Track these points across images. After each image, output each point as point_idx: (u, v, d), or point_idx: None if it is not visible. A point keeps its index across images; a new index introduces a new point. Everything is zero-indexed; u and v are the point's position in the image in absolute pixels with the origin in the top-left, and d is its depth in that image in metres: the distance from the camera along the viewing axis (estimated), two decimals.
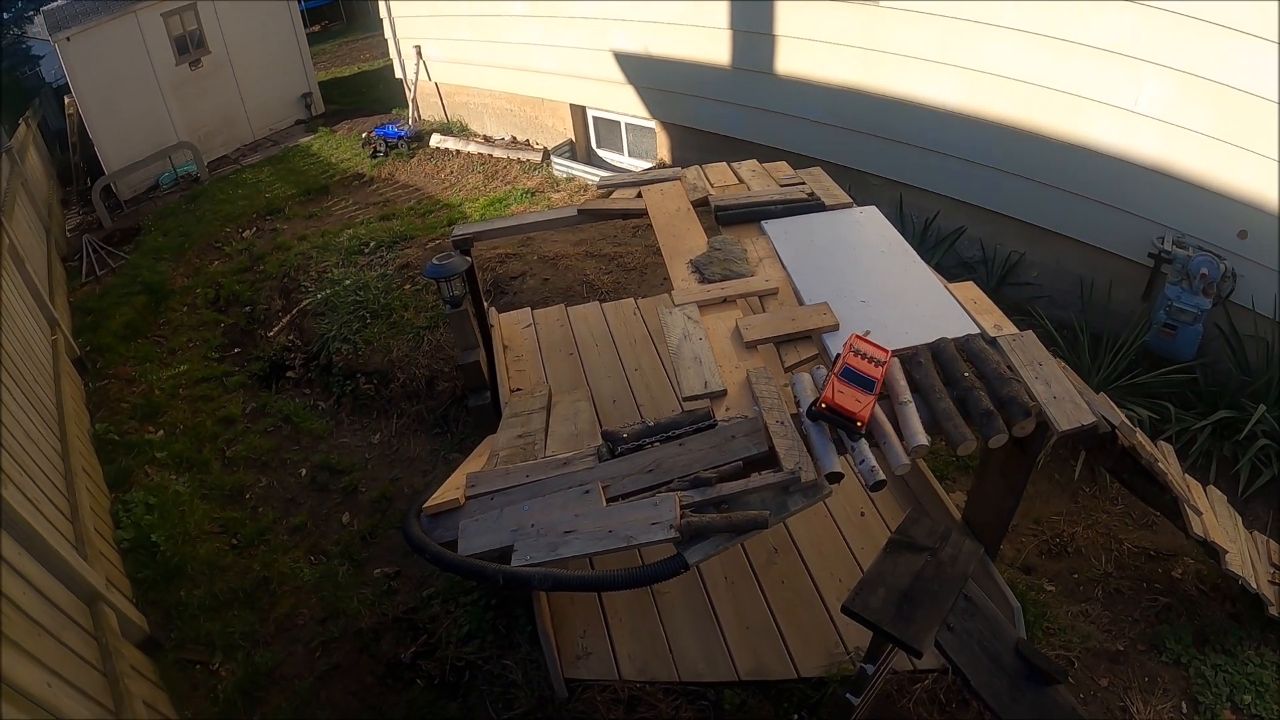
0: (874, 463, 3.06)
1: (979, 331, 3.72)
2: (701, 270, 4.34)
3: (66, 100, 13.82)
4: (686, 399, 3.52)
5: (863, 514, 4.91)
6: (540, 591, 4.18)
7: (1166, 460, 4.39)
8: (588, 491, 3.23)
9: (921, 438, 3.14)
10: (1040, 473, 5.39)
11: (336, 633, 4.98)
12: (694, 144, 9.36)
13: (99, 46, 12.12)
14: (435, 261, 5.31)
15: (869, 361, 3.32)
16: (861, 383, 3.23)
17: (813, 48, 7.47)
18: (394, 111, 14.33)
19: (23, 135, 11.71)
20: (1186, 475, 4.63)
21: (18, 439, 4.78)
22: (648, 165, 10.30)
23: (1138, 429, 4.31)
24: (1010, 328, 3.77)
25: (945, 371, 3.47)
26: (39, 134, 13.77)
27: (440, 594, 5.05)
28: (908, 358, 3.53)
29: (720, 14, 8.08)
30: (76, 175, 13.96)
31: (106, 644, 4.07)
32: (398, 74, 13.37)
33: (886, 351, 3.40)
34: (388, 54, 13.42)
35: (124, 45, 12.46)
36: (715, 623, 4.38)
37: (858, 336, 3.47)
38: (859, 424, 3.14)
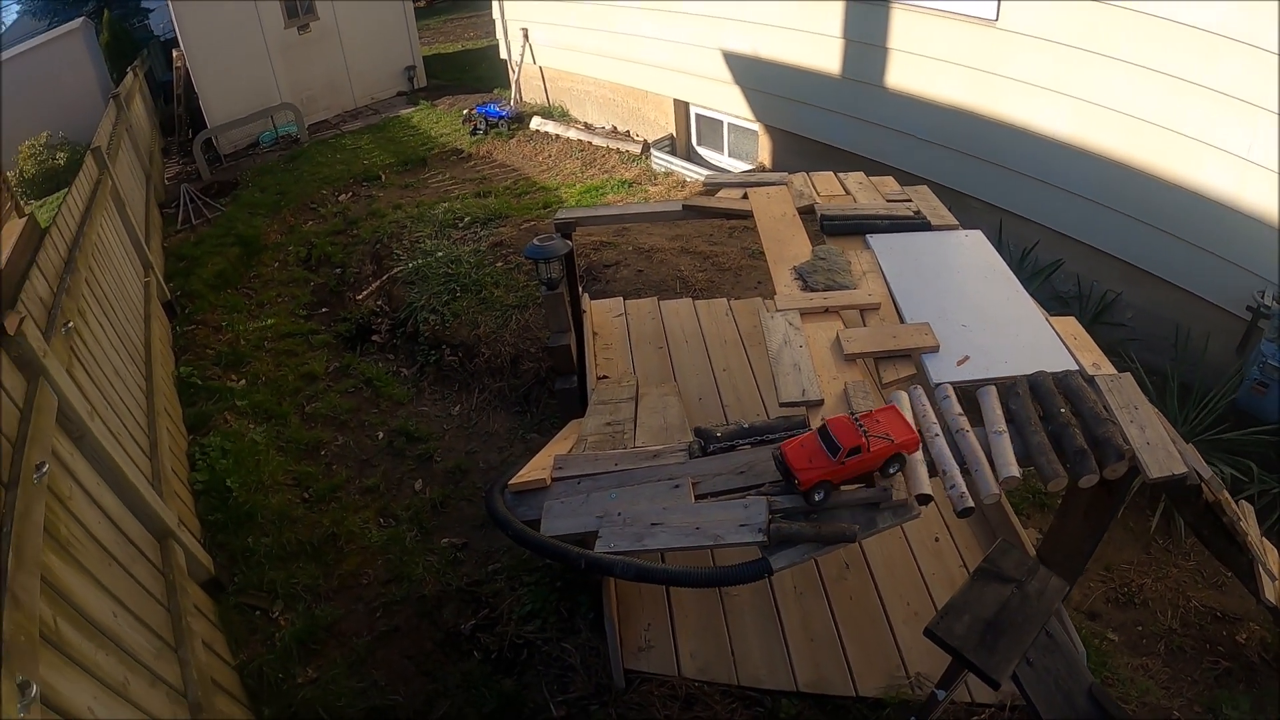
0: (964, 489, 3.04)
1: (1077, 369, 3.66)
2: (805, 278, 4.32)
3: (174, 53, 14.23)
4: (783, 404, 3.52)
5: (937, 540, 4.84)
6: (616, 579, 4.20)
7: (1246, 520, 4.29)
8: (677, 486, 3.26)
9: (1013, 469, 3.09)
10: (1115, 520, 5.30)
11: (399, 596, 5.06)
12: (795, 150, 9.34)
13: (210, 4, 12.48)
14: (536, 242, 5.35)
15: (860, 433, 2.91)
16: (829, 445, 2.92)
17: (925, 64, 7.41)
18: (495, 91, 14.55)
19: (129, 84, 12.05)
20: (1264, 538, 4.53)
21: (106, 375, 4.93)
22: (747, 167, 10.32)
23: (1224, 485, 4.21)
24: (1109, 367, 3.71)
25: (1042, 405, 3.43)
26: (145, 84, 14.17)
27: (505, 570, 5.10)
28: (1005, 387, 3.49)
29: (834, 22, 8.04)
30: (179, 126, 14.39)
31: (173, 580, 4.14)
32: (502, 54, 13.51)
33: (915, 438, 3.05)
34: (493, 33, 13.63)
35: (235, 4, 12.83)
36: (780, 631, 4.35)
37: (895, 410, 3.13)
38: (798, 483, 2.94)
